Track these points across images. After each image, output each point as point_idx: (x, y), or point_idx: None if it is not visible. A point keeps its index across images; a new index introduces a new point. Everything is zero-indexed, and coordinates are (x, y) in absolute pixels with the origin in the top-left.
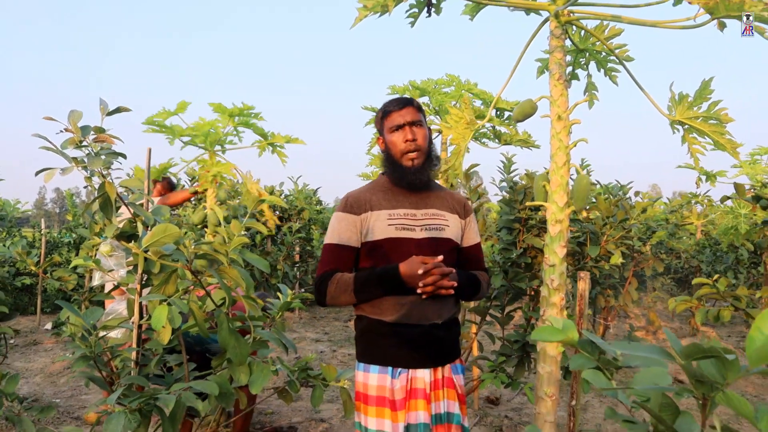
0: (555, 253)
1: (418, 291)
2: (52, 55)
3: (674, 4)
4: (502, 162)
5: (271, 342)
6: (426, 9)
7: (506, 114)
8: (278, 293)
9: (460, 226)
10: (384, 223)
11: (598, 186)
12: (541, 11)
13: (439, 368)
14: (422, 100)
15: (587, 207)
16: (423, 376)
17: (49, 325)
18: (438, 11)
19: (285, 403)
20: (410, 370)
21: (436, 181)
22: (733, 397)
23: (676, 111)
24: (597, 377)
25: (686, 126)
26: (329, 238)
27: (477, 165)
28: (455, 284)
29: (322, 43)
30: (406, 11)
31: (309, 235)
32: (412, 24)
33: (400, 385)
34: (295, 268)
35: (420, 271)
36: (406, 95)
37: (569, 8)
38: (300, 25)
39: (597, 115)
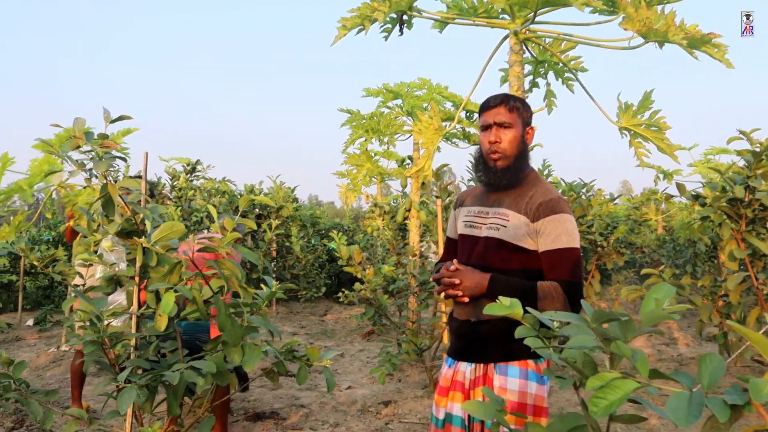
0: None
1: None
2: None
3: (620, 25)
4: (470, 162)
5: (260, 327)
6: (398, 27)
7: (475, 116)
8: (263, 285)
9: (526, 229)
10: (462, 220)
11: (563, 183)
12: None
13: (482, 365)
14: (395, 103)
15: None
16: (464, 370)
17: (30, 322)
18: (409, 26)
19: (266, 391)
20: (457, 362)
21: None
22: (621, 345)
23: (623, 119)
24: (536, 342)
25: (632, 132)
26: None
27: (447, 165)
28: (459, 294)
29: (299, 43)
30: (381, 26)
31: (288, 232)
32: (386, 38)
33: (449, 374)
34: (272, 264)
35: (431, 279)
36: (504, 93)
37: (528, 26)
38: (276, 26)
39: (573, 112)
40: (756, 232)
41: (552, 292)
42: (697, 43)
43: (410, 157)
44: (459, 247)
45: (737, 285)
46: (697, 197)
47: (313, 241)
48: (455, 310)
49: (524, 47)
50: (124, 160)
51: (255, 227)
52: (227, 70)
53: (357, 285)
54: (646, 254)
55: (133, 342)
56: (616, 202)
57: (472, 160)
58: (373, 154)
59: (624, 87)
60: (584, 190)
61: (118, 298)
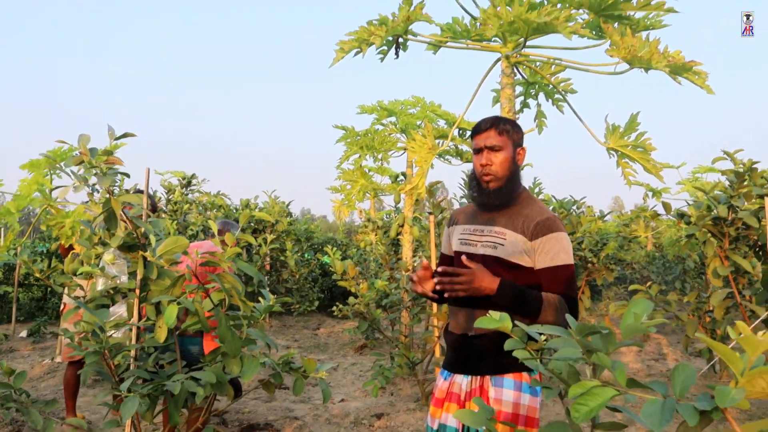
0: None
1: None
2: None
3: (607, 52)
4: (463, 179)
5: (258, 339)
6: (395, 49)
7: (467, 133)
8: (260, 298)
9: (523, 247)
10: (457, 238)
11: (554, 201)
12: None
13: (478, 378)
14: (389, 120)
15: None
16: (461, 382)
17: (24, 333)
18: (405, 48)
19: (261, 403)
20: (453, 375)
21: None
22: (601, 356)
23: (610, 140)
24: (523, 354)
25: (619, 152)
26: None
27: (440, 182)
28: (459, 288)
29: (296, 60)
30: (377, 49)
31: (282, 246)
32: (381, 60)
33: (445, 386)
34: (267, 277)
35: (440, 269)
36: (495, 116)
37: (519, 50)
38: (277, 37)
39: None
40: (739, 250)
41: (555, 303)
42: (679, 69)
43: (404, 174)
44: (455, 264)
45: (721, 301)
46: (682, 216)
47: (306, 256)
48: (451, 323)
49: (515, 69)
50: (128, 175)
51: (254, 242)
52: (223, 78)
53: (351, 299)
54: (636, 270)
55: (133, 353)
56: (606, 219)
57: (465, 179)
58: (367, 170)
59: (613, 107)
60: (575, 207)
61: (119, 310)
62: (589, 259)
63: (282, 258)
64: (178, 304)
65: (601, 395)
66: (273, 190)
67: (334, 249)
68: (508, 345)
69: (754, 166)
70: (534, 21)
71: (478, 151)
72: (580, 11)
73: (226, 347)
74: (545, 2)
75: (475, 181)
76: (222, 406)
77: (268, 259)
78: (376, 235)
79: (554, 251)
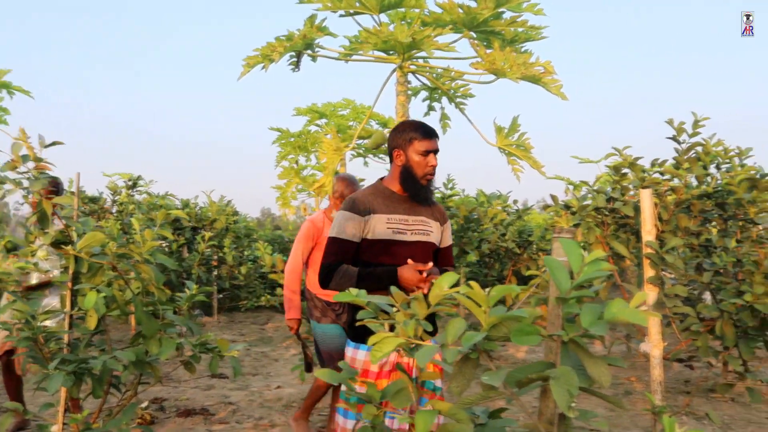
0: None
1: (418, 291)
2: None
3: (471, 65)
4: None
5: (180, 324)
6: (296, 64)
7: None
8: (186, 288)
9: (440, 232)
10: (384, 226)
11: (482, 195)
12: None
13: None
14: (321, 122)
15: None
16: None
17: None
18: (314, 60)
19: (199, 391)
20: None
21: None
22: (399, 316)
23: (498, 140)
24: (372, 322)
25: (506, 151)
26: (337, 233)
27: (364, 179)
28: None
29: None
30: (288, 61)
31: (221, 243)
32: (293, 71)
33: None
34: (213, 273)
35: (424, 274)
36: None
37: (409, 62)
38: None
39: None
40: (620, 237)
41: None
42: (532, 80)
43: (337, 172)
44: (381, 250)
45: (602, 282)
46: (567, 207)
47: (247, 252)
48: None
49: (416, 77)
50: (57, 179)
51: (171, 237)
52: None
53: (279, 290)
54: None
55: (66, 339)
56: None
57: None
58: (309, 169)
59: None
60: (500, 201)
61: (52, 301)
62: (512, 249)
63: (221, 254)
64: (98, 292)
65: (391, 343)
66: (212, 190)
67: (266, 244)
68: (360, 315)
69: (638, 161)
70: (402, 41)
71: (427, 153)
72: (447, 28)
73: (143, 329)
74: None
75: (412, 178)
76: (163, 394)
77: (215, 256)
78: None
79: (448, 234)
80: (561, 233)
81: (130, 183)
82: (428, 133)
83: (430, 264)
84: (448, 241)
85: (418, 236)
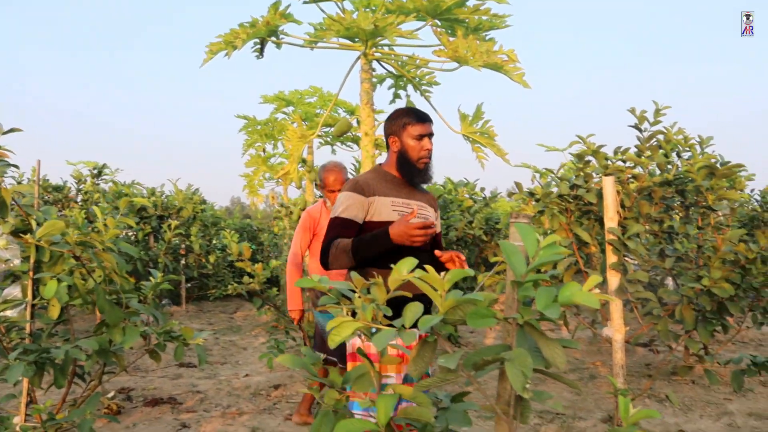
0: None
1: (414, 240)
2: None
3: (433, 53)
4: (353, 165)
5: (145, 313)
6: (260, 51)
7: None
8: (151, 277)
9: (435, 218)
10: (389, 208)
11: (451, 182)
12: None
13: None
14: (288, 110)
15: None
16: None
17: None
18: (279, 47)
19: (167, 381)
20: None
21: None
22: (357, 300)
23: (462, 127)
24: (333, 308)
25: (470, 139)
26: (339, 213)
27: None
28: (436, 230)
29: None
30: (252, 48)
31: (188, 232)
32: (257, 57)
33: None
34: (180, 263)
35: (414, 224)
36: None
37: (374, 49)
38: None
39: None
40: (583, 224)
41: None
42: (494, 67)
43: (304, 160)
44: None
45: (565, 269)
46: (531, 194)
47: (215, 241)
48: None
49: (381, 65)
50: (17, 167)
51: (134, 225)
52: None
53: (245, 278)
54: None
55: (28, 329)
56: (497, 198)
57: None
58: (278, 157)
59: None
60: (465, 188)
61: (14, 291)
62: (479, 237)
63: (187, 242)
64: (60, 281)
65: (350, 327)
66: (178, 178)
67: (232, 233)
68: (322, 300)
69: (601, 149)
70: (365, 28)
71: (421, 137)
72: (411, 16)
73: (106, 318)
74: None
75: (408, 162)
76: (131, 384)
77: (183, 245)
78: (288, 219)
79: (439, 222)
80: (518, 218)
81: (95, 172)
82: (421, 118)
83: (427, 218)
84: (439, 227)
85: (420, 220)
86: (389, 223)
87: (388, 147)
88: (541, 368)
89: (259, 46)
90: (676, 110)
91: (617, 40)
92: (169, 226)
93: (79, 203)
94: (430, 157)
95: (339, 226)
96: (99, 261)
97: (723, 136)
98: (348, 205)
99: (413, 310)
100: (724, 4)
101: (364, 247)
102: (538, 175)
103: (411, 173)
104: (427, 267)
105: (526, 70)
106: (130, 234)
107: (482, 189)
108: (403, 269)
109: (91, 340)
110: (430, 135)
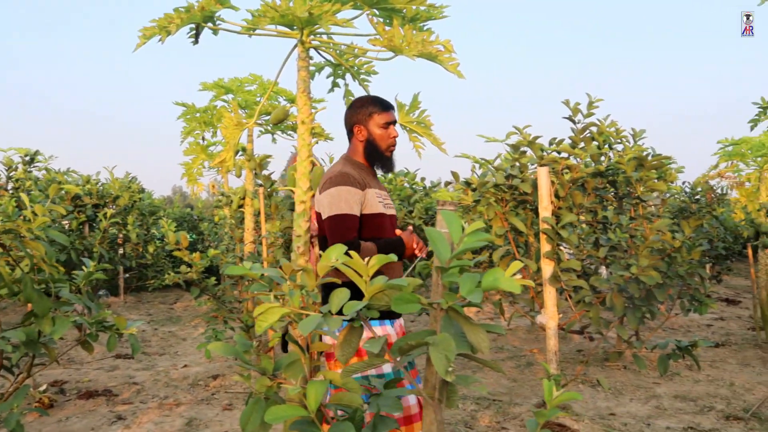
0: (300, 226)
1: (417, 253)
2: None
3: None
4: (291, 153)
5: (77, 303)
6: (195, 36)
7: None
8: (83, 266)
9: None
10: (375, 200)
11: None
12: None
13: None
14: (228, 98)
15: None
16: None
17: None
18: (216, 33)
19: (103, 372)
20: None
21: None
22: (308, 294)
23: (399, 116)
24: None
25: (408, 128)
26: (344, 209)
27: (270, 156)
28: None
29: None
30: (188, 33)
31: (125, 221)
32: (193, 43)
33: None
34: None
35: (416, 243)
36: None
37: (312, 37)
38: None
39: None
40: (519, 214)
41: None
42: (429, 57)
43: (243, 148)
44: (380, 224)
45: (501, 258)
46: (468, 184)
47: (154, 231)
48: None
49: (318, 53)
50: None
51: (64, 212)
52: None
53: (183, 267)
54: None
55: None
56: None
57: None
58: (218, 145)
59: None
60: (406, 179)
61: None
62: (420, 227)
63: (124, 232)
64: None
65: (276, 313)
66: (114, 166)
67: (169, 221)
68: (252, 288)
69: (537, 140)
70: (299, 15)
71: (388, 125)
72: (348, 5)
73: (34, 308)
74: None
75: (376, 151)
76: (64, 376)
77: (120, 234)
78: (229, 209)
79: None
80: (444, 206)
81: (27, 159)
82: (387, 107)
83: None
84: None
85: (392, 210)
86: (379, 215)
87: (350, 136)
88: (467, 353)
89: (194, 32)
90: (676, 110)
91: (617, 40)
92: (105, 214)
93: (9, 191)
94: (395, 145)
95: (351, 223)
96: (25, 249)
97: (723, 136)
98: (350, 201)
99: (339, 296)
100: (724, 4)
101: (390, 253)
102: (477, 165)
103: (381, 161)
104: (352, 253)
105: (497, 61)
106: (64, 223)
107: (423, 179)
108: (332, 256)
109: (18, 331)
110: (395, 123)
